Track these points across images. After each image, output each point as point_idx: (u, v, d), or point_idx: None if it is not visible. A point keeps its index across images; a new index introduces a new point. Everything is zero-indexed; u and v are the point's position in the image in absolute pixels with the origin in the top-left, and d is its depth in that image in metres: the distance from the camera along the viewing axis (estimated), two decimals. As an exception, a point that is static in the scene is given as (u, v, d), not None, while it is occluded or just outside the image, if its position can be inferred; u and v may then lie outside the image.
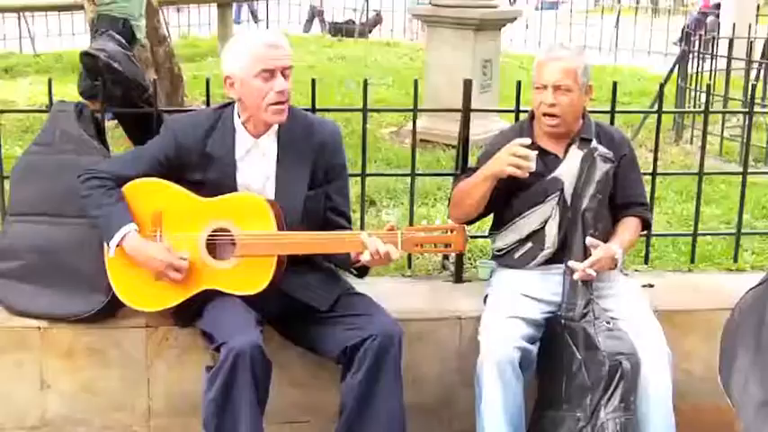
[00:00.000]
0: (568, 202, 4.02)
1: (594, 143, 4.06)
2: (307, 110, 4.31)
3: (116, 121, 5.06)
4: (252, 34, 3.97)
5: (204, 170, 3.83)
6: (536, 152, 3.91)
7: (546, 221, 4.04)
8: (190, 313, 3.84)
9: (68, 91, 9.35)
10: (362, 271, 3.89)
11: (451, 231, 3.70)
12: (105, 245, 3.83)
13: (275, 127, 3.85)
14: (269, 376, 3.63)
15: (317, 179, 3.90)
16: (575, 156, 4.06)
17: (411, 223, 4.71)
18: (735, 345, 3.20)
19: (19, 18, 15.78)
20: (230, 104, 3.91)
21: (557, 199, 4.03)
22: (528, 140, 3.94)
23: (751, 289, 3.25)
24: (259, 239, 3.70)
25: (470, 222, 4.13)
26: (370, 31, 21.18)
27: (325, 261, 3.96)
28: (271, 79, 3.70)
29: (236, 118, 3.86)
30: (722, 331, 3.30)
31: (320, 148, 3.90)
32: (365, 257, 3.65)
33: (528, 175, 3.91)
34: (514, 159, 3.87)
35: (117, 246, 3.76)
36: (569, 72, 3.98)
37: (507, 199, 4.15)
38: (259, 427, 3.59)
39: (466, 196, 4.08)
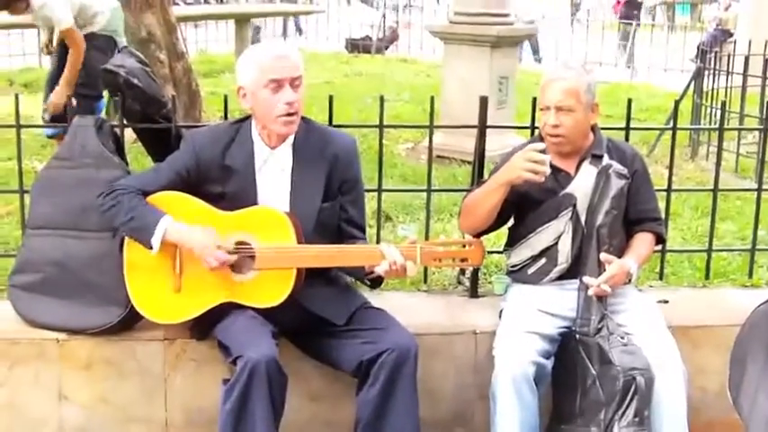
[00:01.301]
0: (582, 218, 4.04)
1: (607, 159, 4.08)
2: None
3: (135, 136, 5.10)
4: (262, 46, 4.01)
5: (224, 183, 3.87)
6: (549, 156, 3.93)
7: (559, 237, 4.06)
8: (207, 326, 3.87)
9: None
10: (376, 282, 3.91)
11: (469, 246, 3.76)
12: (131, 258, 3.87)
13: (291, 138, 3.89)
14: (284, 389, 3.65)
15: (332, 191, 3.93)
16: (587, 172, 4.08)
17: (427, 238, 4.74)
18: (744, 359, 3.22)
19: (39, 33, 15.84)
20: (248, 118, 3.95)
21: (569, 215, 4.05)
22: (542, 145, 3.97)
23: (761, 304, 3.27)
24: (279, 252, 3.73)
25: (479, 234, 4.15)
26: (386, 48, 21.24)
27: (341, 272, 3.99)
28: (279, 90, 3.73)
29: (254, 130, 3.90)
30: (732, 346, 3.32)
31: (335, 159, 3.93)
32: (383, 267, 3.67)
33: (543, 179, 3.93)
34: (531, 165, 3.89)
35: (161, 241, 3.77)
36: (571, 92, 4.00)
37: (519, 213, 4.20)
38: None
39: (477, 206, 4.09)
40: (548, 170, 3.91)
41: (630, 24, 21.04)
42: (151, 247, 3.78)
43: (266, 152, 3.89)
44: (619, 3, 24.14)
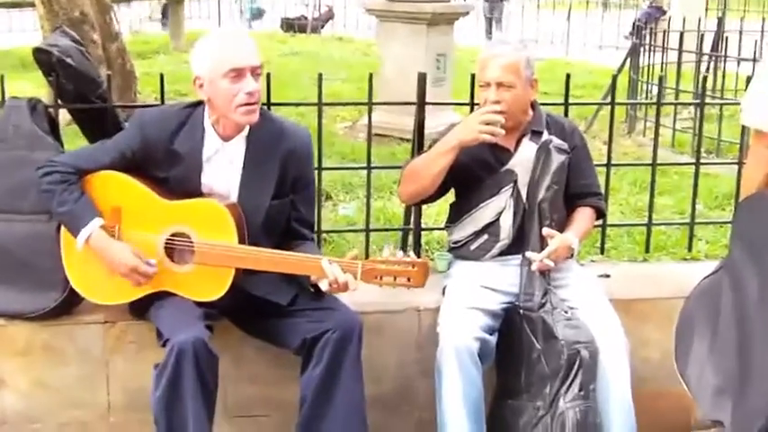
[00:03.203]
0: (523, 194, 4.04)
1: (547, 135, 4.08)
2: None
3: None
4: (219, 33, 3.89)
5: (169, 167, 3.79)
6: (503, 119, 3.92)
7: (500, 213, 4.06)
8: (146, 304, 3.81)
9: (19, 87, 9.29)
10: (320, 292, 3.80)
11: (413, 267, 3.67)
12: (69, 238, 3.80)
13: (245, 131, 3.80)
14: (215, 370, 3.60)
15: (284, 188, 3.86)
16: (527, 148, 4.08)
17: (368, 216, 4.72)
18: (691, 333, 3.24)
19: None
20: (201, 103, 3.83)
21: (510, 191, 4.05)
22: (498, 107, 3.94)
23: (705, 278, 3.29)
24: (218, 251, 3.66)
25: (419, 204, 4.13)
26: (322, 27, 21.18)
27: None
28: (239, 80, 3.63)
29: (206, 118, 3.81)
30: (677, 320, 3.34)
31: (289, 155, 3.85)
32: (324, 286, 3.64)
33: (497, 139, 3.94)
34: (487, 127, 3.88)
35: (84, 242, 3.72)
36: (511, 68, 3.98)
37: (460, 190, 4.21)
38: (207, 421, 3.57)
39: (423, 169, 4.06)
40: (502, 132, 3.91)
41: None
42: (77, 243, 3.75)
43: (217, 143, 3.80)
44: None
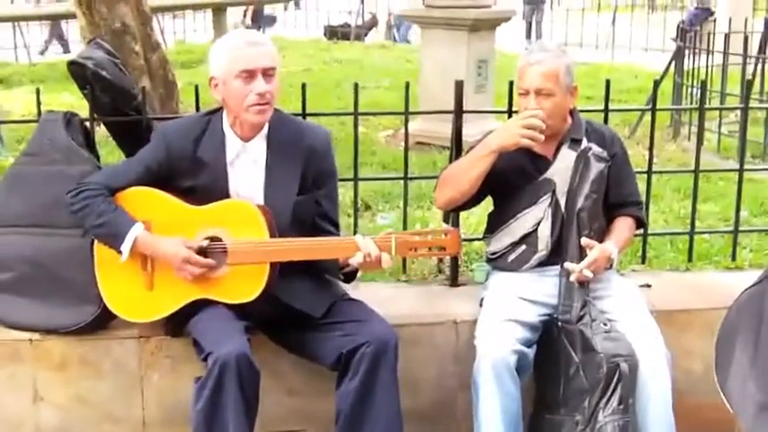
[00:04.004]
0: (561, 204, 3.98)
1: (586, 143, 4.02)
2: (298, 114, 4.28)
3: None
4: (234, 34, 3.91)
5: (195, 176, 3.80)
6: (544, 125, 3.88)
7: (538, 223, 4.00)
8: (181, 322, 3.80)
9: (63, 99, 9.37)
10: (350, 276, 3.84)
11: (446, 234, 3.66)
12: (102, 258, 3.81)
13: (264, 131, 3.82)
14: (257, 385, 3.59)
15: (307, 184, 3.86)
16: (566, 156, 4.02)
17: (405, 227, 4.68)
18: (732, 344, 3.17)
19: (14, 28, 15.78)
20: (219, 110, 3.87)
21: (549, 200, 3.99)
22: (539, 111, 3.89)
23: (748, 288, 3.22)
24: (251, 247, 3.66)
25: (455, 210, 4.09)
26: (366, 34, 21.19)
27: (316, 267, 3.91)
28: (251, 80, 3.66)
29: (225, 122, 3.83)
30: (718, 330, 3.27)
31: (310, 152, 3.86)
32: (357, 259, 3.61)
33: (536, 146, 3.92)
34: (529, 132, 3.84)
35: (130, 248, 3.71)
36: (550, 76, 3.93)
37: (497, 199, 4.17)
38: None
39: (461, 174, 4.02)
40: (542, 137, 3.87)
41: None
42: (121, 254, 3.73)
43: (239, 145, 3.82)
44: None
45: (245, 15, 22.65)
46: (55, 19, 15.95)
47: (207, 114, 3.92)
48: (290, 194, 3.81)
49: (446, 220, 4.63)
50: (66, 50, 17.47)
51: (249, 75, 3.66)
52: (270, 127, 3.83)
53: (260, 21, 22.47)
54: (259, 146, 3.83)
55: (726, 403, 3.18)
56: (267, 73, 3.69)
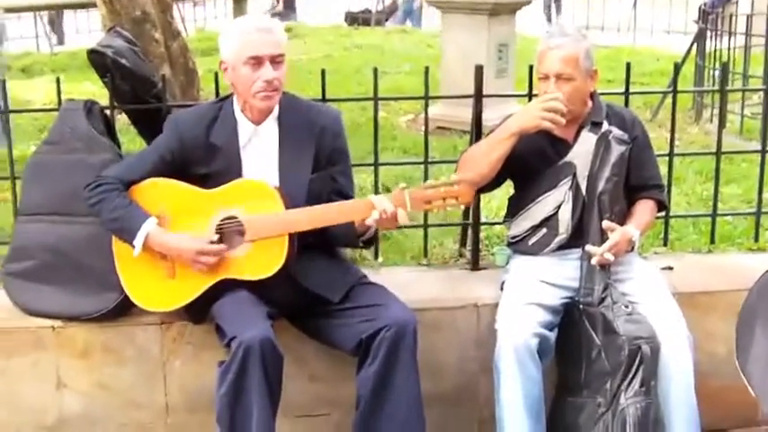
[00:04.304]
0: (582, 187, 3.97)
1: (606, 126, 4.00)
2: (318, 100, 4.28)
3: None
4: (244, 20, 3.94)
5: (209, 162, 3.81)
6: (565, 108, 3.87)
7: (559, 207, 3.99)
8: (203, 309, 3.81)
9: (84, 88, 9.39)
10: (369, 242, 3.89)
11: (457, 185, 3.66)
12: (121, 250, 3.84)
13: (275, 113, 3.85)
14: (280, 369, 3.60)
15: (321, 163, 3.88)
16: (587, 139, 4.00)
17: (426, 213, 4.67)
18: (753, 326, 3.14)
19: (35, 17, 15.83)
20: (230, 96, 3.90)
21: (569, 184, 3.98)
22: (559, 94, 3.88)
23: (767, 271, 3.19)
24: (267, 219, 3.67)
25: (477, 193, 4.08)
26: (386, 19, 21.14)
27: (334, 242, 3.92)
28: (259, 67, 3.69)
29: (236, 107, 3.85)
30: (739, 313, 3.24)
31: (321, 132, 3.88)
32: (373, 217, 3.62)
33: (557, 129, 3.92)
34: (549, 114, 3.84)
35: (143, 243, 3.74)
36: (570, 60, 3.91)
37: (518, 183, 4.17)
38: (271, 419, 3.57)
39: (481, 156, 4.00)
40: (563, 121, 3.86)
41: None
42: (134, 248, 3.75)
43: (250, 129, 3.84)
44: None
45: (277, 1, 22.64)
46: (75, 8, 15.95)
47: (218, 101, 3.95)
48: (305, 173, 3.83)
49: (466, 207, 4.62)
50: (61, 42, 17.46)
51: (257, 61, 3.68)
52: (280, 109, 3.85)
53: (292, 6, 22.47)
54: (271, 128, 3.85)
55: (748, 385, 3.16)
56: (275, 60, 3.71)
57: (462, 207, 4.46)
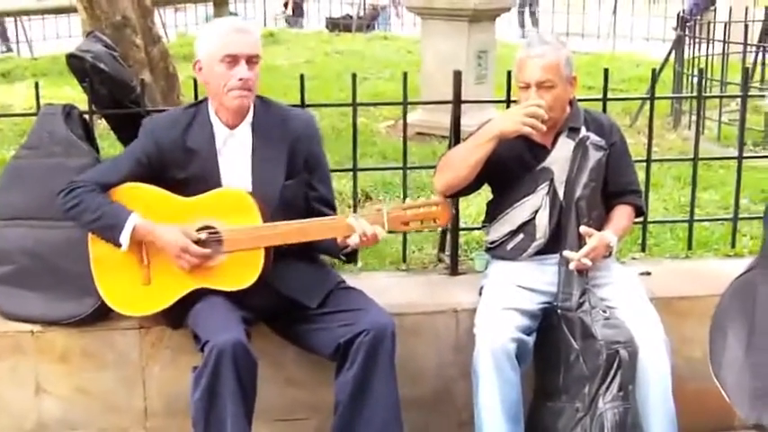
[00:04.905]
0: (559, 192, 3.99)
1: (584, 131, 4.02)
2: (297, 106, 4.29)
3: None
4: (223, 20, 3.97)
5: (186, 166, 3.81)
6: (545, 114, 3.88)
7: (536, 212, 4.00)
8: (180, 314, 3.81)
9: (64, 93, 9.36)
10: (351, 256, 3.88)
11: (436, 206, 3.68)
12: (97, 254, 3.84)
13: (249, 117, 3.86)
14: (254, 373, 3.60)
15: (296, 168, 3.89)
16: (564, 145, 4.02)
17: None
18: (725, 333, 3.17)
19: (15, 22, 15.78)
20: (204, 100, 3.91)
21: (546, 189, 3.99)
22: (542, 101, 3.89)
23: (739, 276, 3.22)
24: (246, 233, 3.68)
25: (454, 195, 4.10)
26: (367, 26, 21.14)
27: (315, 251, 3.94)
28: (234, 65, 3.71)
29: (211, 111, 3.86)
30: (711, 318, 3.26)
31: (296, 137, 3.89)
32: (354, 240, 3.64)
33: (536, 135, 3.93)
34: (530, 120, 3.84)
35: (130, 235, 3.72)
36: (551, 68, 3.92)
37: (496, 188, 4.18)
38: (246, 423, 3.57)
39: (460, 160, 4.01)
40: (543, 127, 3.88)
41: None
42: (120, 245, 3.74)
43: (225, 132, 3.85)
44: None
45: (285, 6, 22.61)
46: (57, 13, 15.88)
47: (192, 106, 3.96)
48: (277, 179, 3.84)
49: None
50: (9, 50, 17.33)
51: (233, 60, 3.70)
52: (254, 113, 3.87)
53: (300, 14, 22.47)
54: (245, 132, 3.86)
55: (722, 391, 3.18)
56: (251, 60, 3.74)
57: (440, 229, 4.48)
